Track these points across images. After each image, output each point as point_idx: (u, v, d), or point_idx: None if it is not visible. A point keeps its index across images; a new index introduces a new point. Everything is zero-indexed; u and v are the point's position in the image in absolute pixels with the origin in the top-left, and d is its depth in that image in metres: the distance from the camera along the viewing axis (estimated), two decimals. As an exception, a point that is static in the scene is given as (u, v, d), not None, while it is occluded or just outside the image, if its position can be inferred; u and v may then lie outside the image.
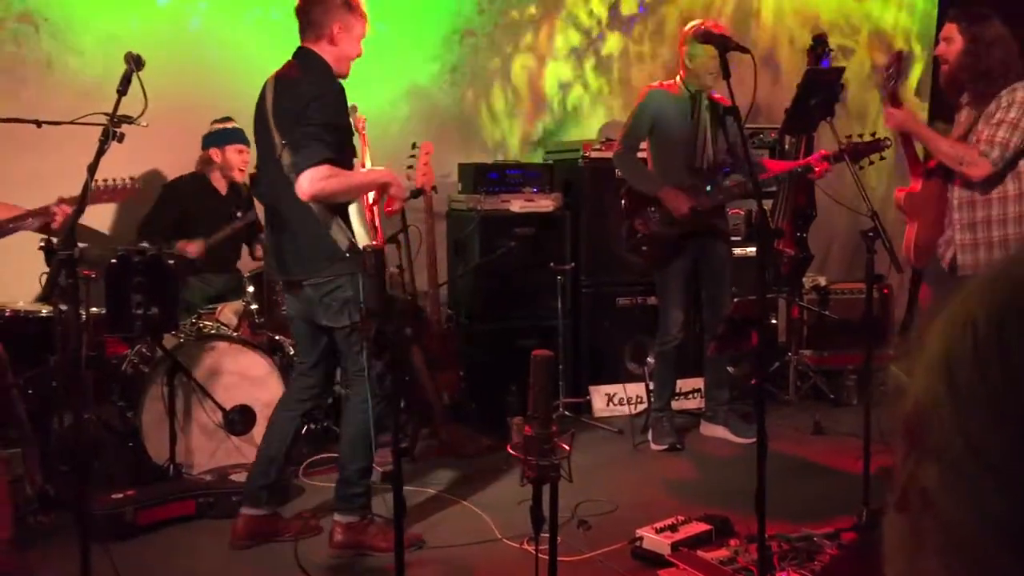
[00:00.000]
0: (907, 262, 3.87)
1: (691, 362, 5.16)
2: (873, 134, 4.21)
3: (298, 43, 3.47)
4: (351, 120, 3.80)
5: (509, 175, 5.48)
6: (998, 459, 0.48)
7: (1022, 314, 0.50)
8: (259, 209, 4.25)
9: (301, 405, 3.64)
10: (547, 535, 2.32)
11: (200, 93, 5.13)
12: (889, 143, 4.13)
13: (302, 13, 3.43)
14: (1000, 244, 3.50)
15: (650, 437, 4.84)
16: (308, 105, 3.25)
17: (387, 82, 5.63)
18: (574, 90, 6.28)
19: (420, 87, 5.85)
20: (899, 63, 3.69)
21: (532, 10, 6.12)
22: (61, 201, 3.25)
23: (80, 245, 2.63)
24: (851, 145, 3.98)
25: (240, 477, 3.92)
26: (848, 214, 5.60)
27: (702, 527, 3.41)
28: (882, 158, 4.16)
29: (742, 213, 5.78)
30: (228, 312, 4.70)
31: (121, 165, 3.66)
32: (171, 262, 4.16)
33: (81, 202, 2.69)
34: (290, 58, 3.48)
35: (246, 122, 4.78)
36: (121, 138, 2.85)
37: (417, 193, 4.86)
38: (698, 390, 5.37)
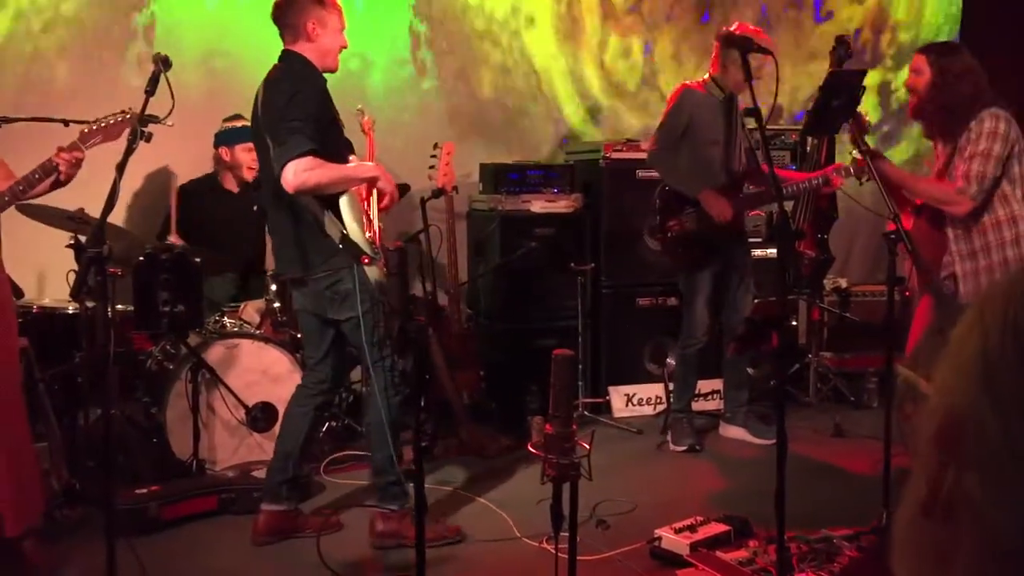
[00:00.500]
0: (914, 292, 3.86)
1: (711, 363, 5.15)
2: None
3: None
4: (353, 118, 3.83)
5: (530, 175, 5.50)
6: None
7: None
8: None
9: (312, 400, 3.68)
10: (566, 534, 2.34)
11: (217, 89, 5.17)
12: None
13: (278, 19, 3.50)
14: (1000, 267, 3.48)
15: (669, 438, 4.85)
16: (289, 101, 3.29)
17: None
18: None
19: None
20: (861, 124, 3.70)
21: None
22: (60, 150, 3.25)
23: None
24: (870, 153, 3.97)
25: (262, 473, 3.96)
26: (870, 216, 5.58)
27: (721, 528, 3.41)
28: None
29: (763, 214, 5.77)
30: (251, 310, 4.74)
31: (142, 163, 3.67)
32: (197, 260, 4.21)
33: (110, 201, 2.72)
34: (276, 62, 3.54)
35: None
36: (149, 138, 2.89)
37: (439, 193, 4.90)
38: (717, 391, 5.36)
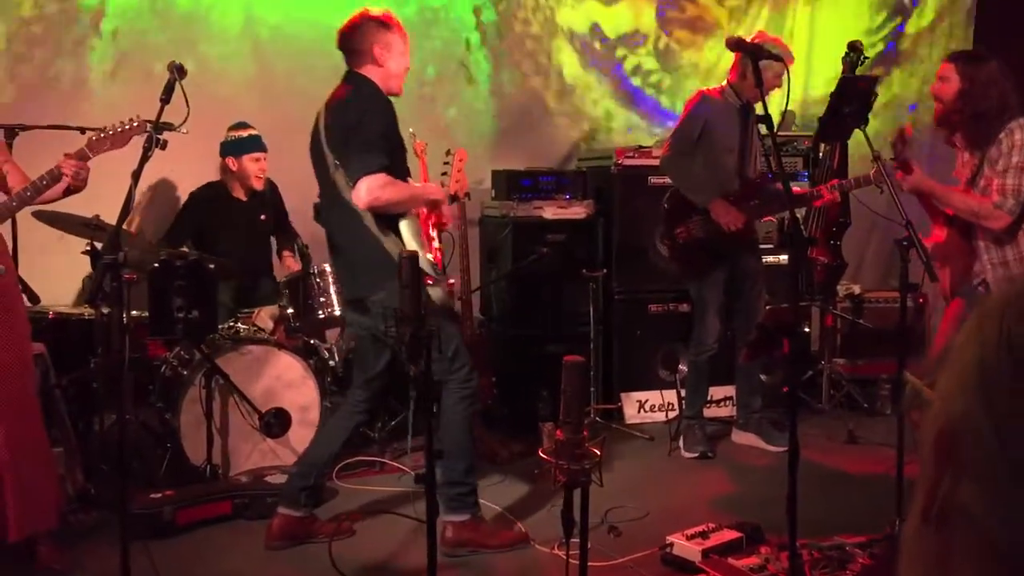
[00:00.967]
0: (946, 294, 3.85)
1: (723, 370, 5.15)
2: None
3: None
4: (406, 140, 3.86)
5: (542, 182, 5.51)
6: None
7: None
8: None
9: (355, 417, 3.72)
10: (577, 540, 2.35)
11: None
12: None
13: (344, 44, 3.52)
14: None
15: (681, 445, 4.84)
16: (360, 118, 3.33)
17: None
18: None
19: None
20: (904, 137, 3.70)
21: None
22: (66, 156, 3.25)
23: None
24: (883, 164, 3.97)
25: (275, 479, 3.98)
26: (882, 222, 5.56)
27: (733, 534, 3.41)
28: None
29: (775, 221, 5.76)
30: (264, 316, 4.77)
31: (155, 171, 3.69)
32: (211, 266, 4.23)
33: (125, 208, 2.75)
34: (339, 82, 3.55)
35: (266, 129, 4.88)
36: (164, 145, 2.91)
37: (451, 199, 4.91)
38: (730, 398, 5.36)
